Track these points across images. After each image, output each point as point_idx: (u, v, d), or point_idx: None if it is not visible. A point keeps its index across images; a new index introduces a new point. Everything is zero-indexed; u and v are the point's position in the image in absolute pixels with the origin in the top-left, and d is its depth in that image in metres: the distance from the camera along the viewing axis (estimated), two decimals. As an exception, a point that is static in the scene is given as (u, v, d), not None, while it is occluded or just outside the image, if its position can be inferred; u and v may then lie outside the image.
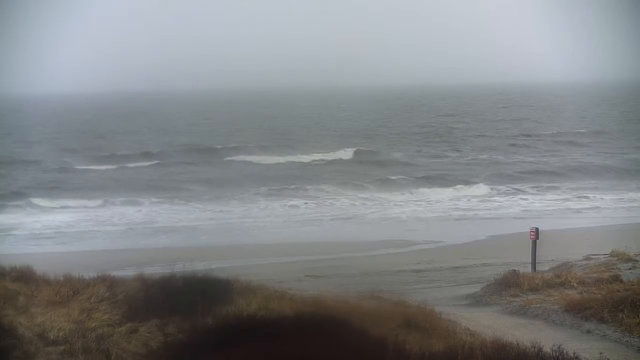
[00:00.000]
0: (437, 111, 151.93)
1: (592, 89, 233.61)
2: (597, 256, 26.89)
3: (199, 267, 20.53)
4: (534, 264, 26.17)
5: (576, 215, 48.99)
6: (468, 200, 55.12)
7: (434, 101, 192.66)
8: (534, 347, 14.93)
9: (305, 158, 78.38)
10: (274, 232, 43.25)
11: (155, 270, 24.08)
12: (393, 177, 64.53)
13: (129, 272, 21.73)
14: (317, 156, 79.58)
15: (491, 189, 58.84)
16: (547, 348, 15.01)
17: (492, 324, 19.46)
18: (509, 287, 23.21)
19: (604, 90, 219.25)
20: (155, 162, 75.42)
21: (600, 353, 16.59)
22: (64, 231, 43.46)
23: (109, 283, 18.07)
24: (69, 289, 17.68)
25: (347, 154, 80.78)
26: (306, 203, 53.48)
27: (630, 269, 24.78)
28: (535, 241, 26.16)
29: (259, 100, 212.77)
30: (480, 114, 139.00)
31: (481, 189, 59.12)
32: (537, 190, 59.02)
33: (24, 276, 18.48)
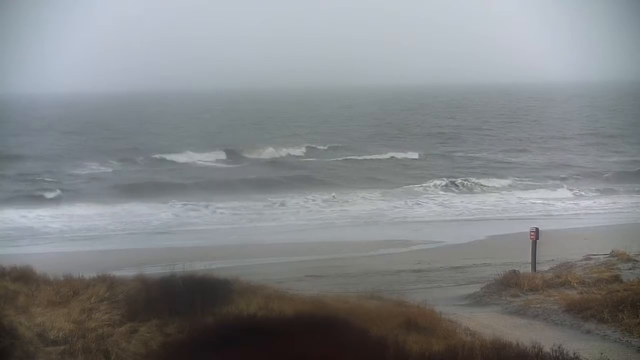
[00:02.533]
0: (466, 110, 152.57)
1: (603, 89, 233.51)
2: (597, 256, 26.88)
3: (199, 267, 20.54)
4: (534, 264, 26.17)
5: (576, 215, 49.03)
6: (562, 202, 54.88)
7: (447, 102, 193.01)
8: (534, 347, 14.93)
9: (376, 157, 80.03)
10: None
11: (156, 270, 24.09)
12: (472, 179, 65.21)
13: (129, 272, 21.73)
14: (387, 155, 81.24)
15: (574, 193, 58.71)
16: (547, 348, 15.01)
17: (492, 324, 19.45)
18: (509, 287, 23.21)
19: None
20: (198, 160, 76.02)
21: (601, 353, 16.58)
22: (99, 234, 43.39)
23: (109, 283, 18.06)
24: (69, 289, 17.66)
25: (414, 154, 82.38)
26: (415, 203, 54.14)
27: (630, 269, 24.79)
28: (535, 241, 26.16)
29: (270, 100, 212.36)
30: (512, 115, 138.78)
31: (564, 191, 59.34)
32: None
33: (24, 276, 18.47)
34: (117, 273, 20.17)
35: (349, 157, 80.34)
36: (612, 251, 27.11)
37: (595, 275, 23.59)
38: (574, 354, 15.11)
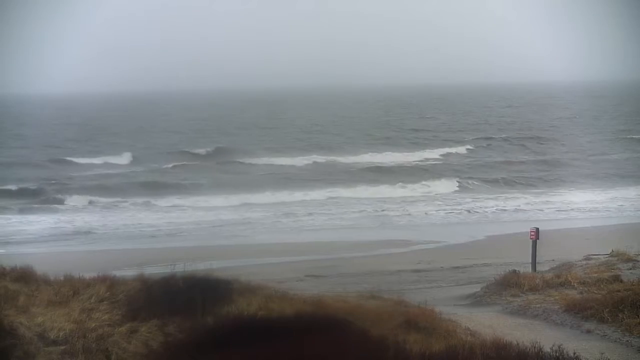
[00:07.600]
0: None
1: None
2: (597, 256, 26.88)
3: (199, 267, 20.54)
4: (534, 264, 26.18)
5: (576, 215, 49.03)
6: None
7: (457, 101, 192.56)
8: (534, 347, 14.93)
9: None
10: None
11: (156, 270, 24.10)
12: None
13: (129, 272, 21.73)
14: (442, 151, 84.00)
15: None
16: (547, 348, 15.02)
17: (492, 324, 19.46)
18: (509, 287, 23.20)
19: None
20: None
21: (601, 353, 16.59)
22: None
23: (109, 283, 18.05)
24: (69, 289, 17.65)
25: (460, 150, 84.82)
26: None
27: (630, 269, 24.79)
28: (536, 241, 26.17)
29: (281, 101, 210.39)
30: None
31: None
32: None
33: (24, 276, 18.46)
34: (117, 273, 20.17)
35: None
36: (612, 251, 27.12)
37: (596, 275, 23.58)
38: (574, 353, 15.11)
